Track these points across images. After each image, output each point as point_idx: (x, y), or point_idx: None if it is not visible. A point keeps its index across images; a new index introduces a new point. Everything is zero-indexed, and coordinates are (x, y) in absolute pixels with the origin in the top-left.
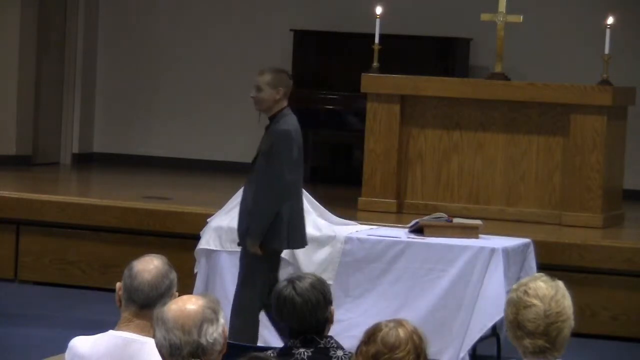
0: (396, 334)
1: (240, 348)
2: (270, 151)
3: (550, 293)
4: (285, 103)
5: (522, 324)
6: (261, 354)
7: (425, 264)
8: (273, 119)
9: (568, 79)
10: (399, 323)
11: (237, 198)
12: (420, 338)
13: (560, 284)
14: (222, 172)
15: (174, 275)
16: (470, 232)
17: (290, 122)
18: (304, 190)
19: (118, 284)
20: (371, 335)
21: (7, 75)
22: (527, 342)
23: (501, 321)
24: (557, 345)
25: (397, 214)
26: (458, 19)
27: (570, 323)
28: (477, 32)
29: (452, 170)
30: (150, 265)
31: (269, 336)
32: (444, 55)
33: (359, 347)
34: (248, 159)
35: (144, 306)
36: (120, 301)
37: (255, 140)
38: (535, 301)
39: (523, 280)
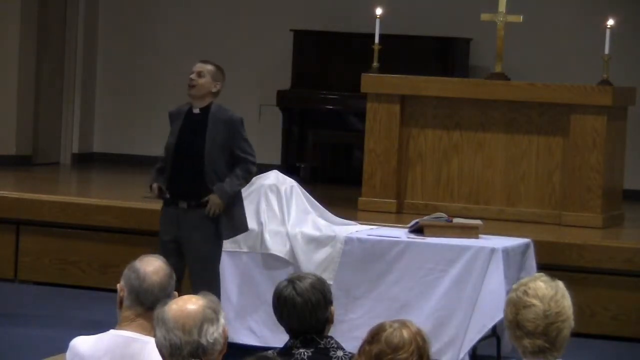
0: (400, 334)
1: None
2: (229, 137)
3: (549, 293)
4: (213, 99)
5: (522, 324)
6: (267, 354)
7: (425, 264)
8: (207, 109)
9: (568, 79)
10: (403, 324)
11: None
12: (424, 339)
13: (560, 284)
14: None
15: (174, 276)
16: (470, 232)
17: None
18: (303, 190)
19: (119, 285)
20: (375, 334)
21: (7, 75)
22: (526, 342)
23: (501, 321)
24: (556, 345)
25: (397, 214)
26: (458, 19)
27: (570, 323)
28: (477, 32)
29: (452, 170)
30: (154, 267)
31: (269, 337)
32: (444, 55)
33: (362, 346)
34: None
35: (151, 308)
36: (121, 302)
37: (255, 139)
38: (534, 301)
39: (523, 280)
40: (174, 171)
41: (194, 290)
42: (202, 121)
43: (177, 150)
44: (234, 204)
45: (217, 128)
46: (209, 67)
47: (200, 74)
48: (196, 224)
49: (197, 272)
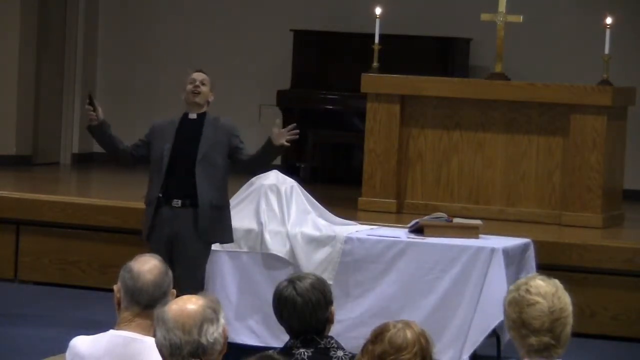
0: (404, 335)
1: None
2: (226, 141)
3: (551, 290)
4: (208, 108)
5: (528, 322)
6: (269, 353)
7: (425, 264)
8: (203, 115)
9: (568, 79)
10: (407, 324)
11: (236, 199)
12: (427, 340)
13: (557, 281)
14: None
15: (170, 273)
16: (470, 232)
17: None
18: (303, 190)
19: (115, 287)
20: (379, 334)
21: (7, 75)
22: (532, 340)
23: (501, 321)
24: (561, 342)
25: (397, 214)
26: (458, 19)
27: (571, 320)
28: (477, 32)
29: (452, 170)
30: (148, 265)
31: (269, 337)
32: (444, 55)
33: (365, 346)
34: None
35: (148, 306)
36: (118, 303)
37: (254, 140)
38: (538, 299)
39: (521, 280)
40: (168, 174)
41: (177, 286)
42: (198, 126)
43: (172, 154)
44: (224, 214)
45: (213, 133)
46: (207, 76)
47: (203, 82)
48: (189, 222)
49: (184, 269)
